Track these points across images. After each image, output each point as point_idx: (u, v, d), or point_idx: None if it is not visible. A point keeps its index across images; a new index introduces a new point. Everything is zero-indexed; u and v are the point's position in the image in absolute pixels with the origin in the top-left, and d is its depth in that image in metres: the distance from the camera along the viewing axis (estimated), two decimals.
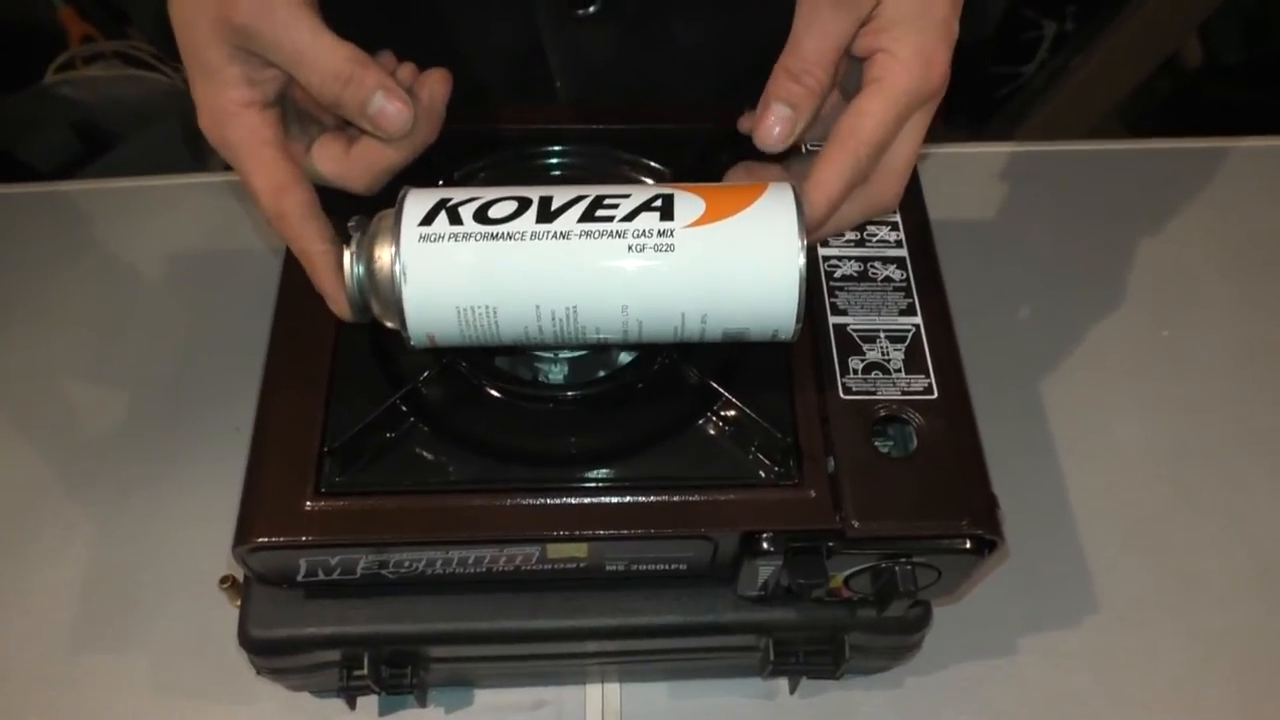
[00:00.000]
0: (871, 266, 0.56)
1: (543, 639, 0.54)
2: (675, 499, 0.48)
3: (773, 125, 0.47)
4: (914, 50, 0.46)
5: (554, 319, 0.45)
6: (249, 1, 0.43)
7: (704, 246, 0.44)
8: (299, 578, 0.50)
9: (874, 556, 0.49)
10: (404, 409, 0.50)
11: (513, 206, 0.45)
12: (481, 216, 0.45)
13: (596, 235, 0.44)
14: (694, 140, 0.59)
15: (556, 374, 0.53)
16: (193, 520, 0.67)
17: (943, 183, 0.83)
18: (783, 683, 0.61)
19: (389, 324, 0.47)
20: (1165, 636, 0.64)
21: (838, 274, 0.55)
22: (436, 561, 0.49)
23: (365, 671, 0.53)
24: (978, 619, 0.64)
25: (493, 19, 0.66)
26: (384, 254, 0.45)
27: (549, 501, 0.48)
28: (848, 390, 0.51)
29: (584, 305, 0.45)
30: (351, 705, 0.59)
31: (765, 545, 0.48)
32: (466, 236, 0.44)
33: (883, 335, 0.53)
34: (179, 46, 0.45)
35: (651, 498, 0.48)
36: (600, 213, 0.45)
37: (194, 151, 1.26)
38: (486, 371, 0.52)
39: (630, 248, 0.44)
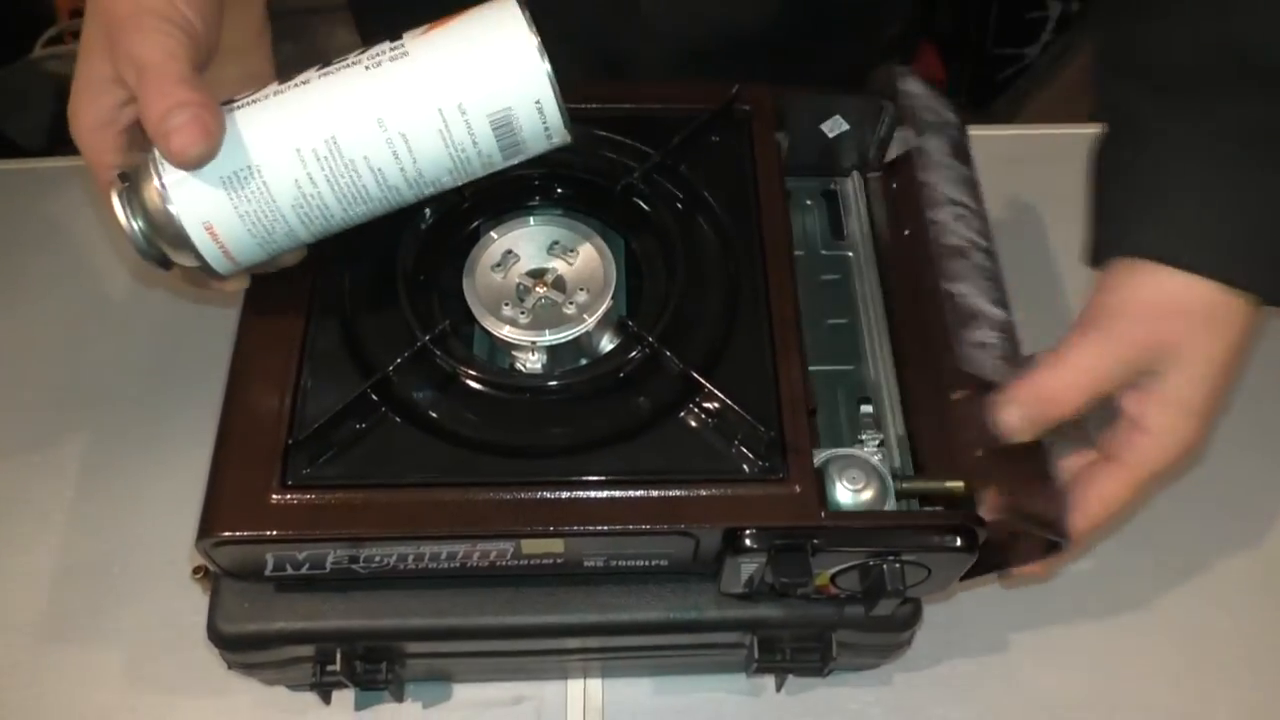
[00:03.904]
0: None
1: (520, 635, 0.52)
2: (654, 494, 0.47)
3: (1008, 423, 0.48)
4: (1179, 442, 0.48)
5: (319, 160, 0.45)
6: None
7: (436, 42, 0.45)
8: (266, 572, 0.48)
9: (861, 554, 0.47)
10: (374, 398, 0.48)
11: (254, 91, 0.46)
12: (225, 103, 0.45)
13: (335, 71, 0.45)
14: (680, 122, 0.57)
15: (534, 363, 0.52)
16: (167, 508, 0.65)
17: None
18: (769, 678, 0.60)
19: (181, 259, 0.47)
20: (1161, 634, 0.62)
21: None
22: (408, 557, 0.48)
23: (338, 667, 0.52)
24: (970, 615, 0.62)
25: None
26: (145, 166, 0.45)
27: (522, 496, 0.46)
28: None
29: (340, 132, 0.44)
30: (326, 700, 0.58)
31: (748, 542, 0.46)
32: None
33: None
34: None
35: (629, 492, 0.46)
36: (336, 61, 0.46)
37: None
38: (461, 360, 0.50)
39: (367, 67, 0.45)
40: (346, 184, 0.45)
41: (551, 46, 0.65)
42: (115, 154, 0.47)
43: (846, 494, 0.49)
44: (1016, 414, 0.48)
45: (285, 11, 1.03)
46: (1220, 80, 0.48)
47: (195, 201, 0.45)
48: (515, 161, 0.48)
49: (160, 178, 0.44)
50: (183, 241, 0.45)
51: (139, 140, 0.47)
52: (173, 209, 0.45)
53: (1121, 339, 0.47)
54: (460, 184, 0.48)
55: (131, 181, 0.46)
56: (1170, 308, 0.47)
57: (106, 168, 0.47)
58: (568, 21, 0.70)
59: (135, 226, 0.46)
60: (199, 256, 0.46)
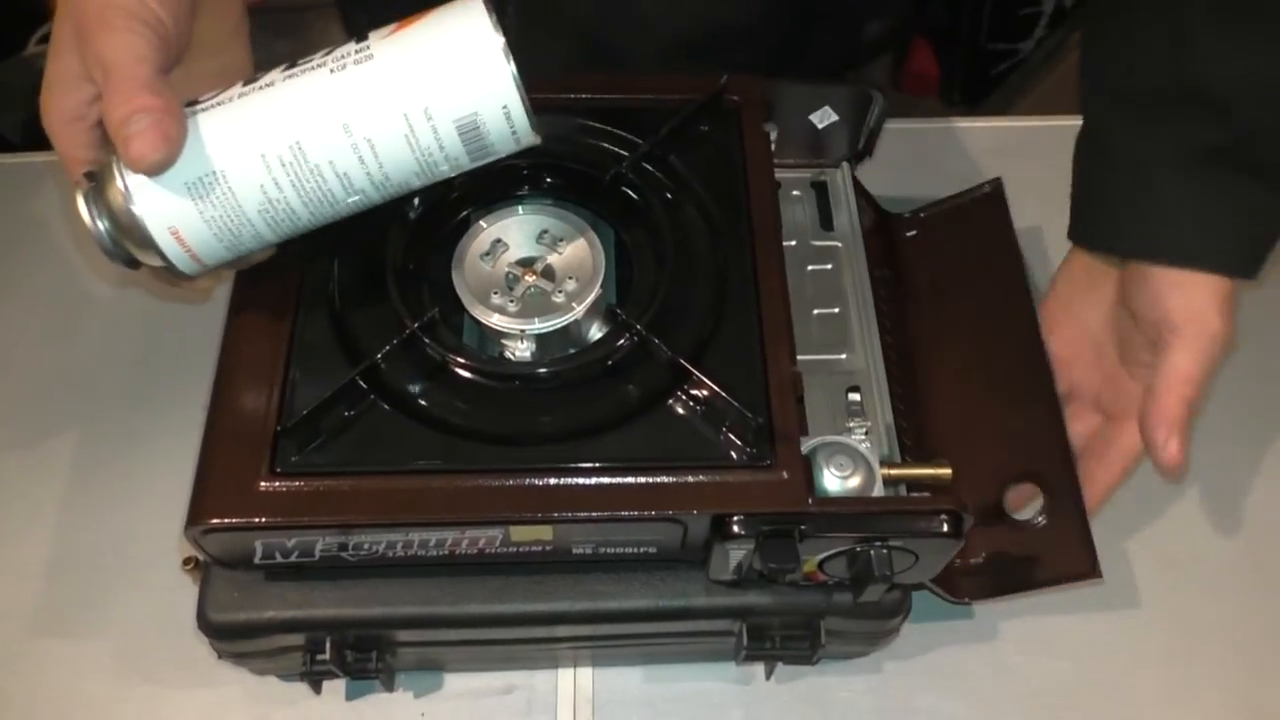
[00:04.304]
0: None
1: (509, 623, 0.52)
2: (642, 480, 0.47)
3: (1176, 453, 0.56)
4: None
5: (284, 165, 0.44)
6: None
7: (400, 44, 0.44)
8: (256, 560, 0.49)
9: (848, 540, 0.47)
10: (363, 386, 0.48)
11: (221, 90, 0.46)
12: (190, 104, 0.45)
13: (300, 74, 0.45)
14: (669, 112, 0.57)
15: (523, 351, 0.52)
16: (158, 500, 0.65)
17: (937, 156, 0.81)
18: (759, 667, 0.60)
19: (148, 260, 0.46)
20: (1150, 622, 0.62)
21: None
22: (397, 544, 0.48)
23: (328, 656, 0.52)
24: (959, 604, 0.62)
25: None
26: (109, 167, 0.45)
27: (511, 483, 0.46)
28: None
29: (305, 137, 0.44)
30: (317, 690, 0.58)
31: (736, 528, 0.47)
32: None
33: None
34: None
35: (618, 479, 0.47)
36: (302, 62, 0.45)
37: None
38: (450, 348, 0.50)
39: (331, 70, 0.44)
40: (312, 189, 0.45)
41: (547, 40, 0.66)
42: (87, 149, 0.47)
43: (834, 481, 0.49)
44: (1179, 440, 0.56)
45: (278, 8, 1.03)
46: (1176, 104, 0.56)
47: (159, 205, 0.44)
48: (482, 164, 0.47)
49: (124, 180, 0.44)
50: (148, 244, 0.45)
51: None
52: (136, 211, 0.44)
53: (1207, 340, 0.56)
54: (427, 185, 0.48)
55: (97, 181, 0.45)
56: (1217, 299, 0.56)
57: (78, 163, 0.47)
58: (564, 15, 0.71)
59: (100, 227, 0.45)
60: (165, 259, 0.46)
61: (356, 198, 0.46)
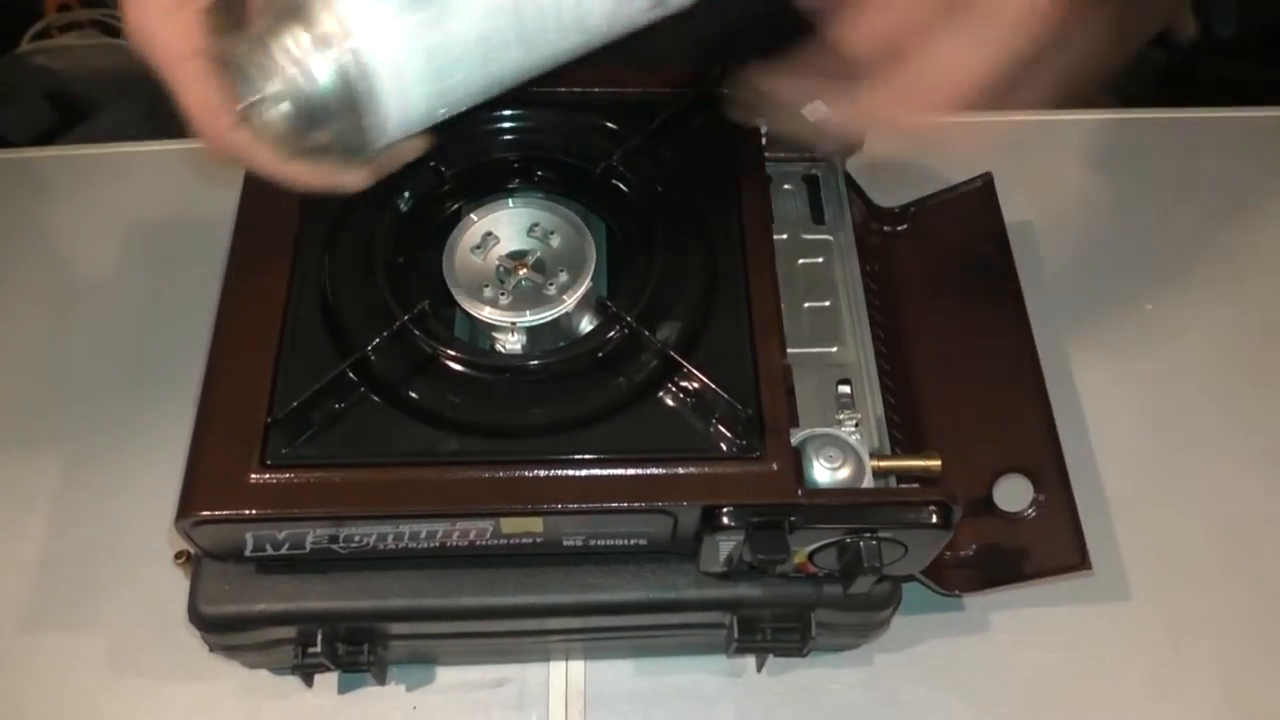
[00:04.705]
0: None
1: (500, 616, 0.52)
2: (632, 472, 0.47)
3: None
4: None
5: None
6: None
7: None
8: (247, 552, 0.49)
9: (838, 531, 0.48)
10: (353, 377, 0.48)
11: None
12: None
13: None
14: (662, 105, 0.57)
15: (514, 344, 0.52)
16: (151, 495, 0.65)
17: (928, 151, 0.81)
18: (750, 660, 0.60)
19: (328, 127, 0.41)
20: (1141, 614, 0.63)
21: None
22: (388, 536, 0.48)
23: (319, 649, 0.52)
24: (949, 596, 0.62)
25: None
26: (285, 15, 0.39)
27: (501, 474, 0.46)
28: None
29: None
30: (308, 683, 0.58)
31: (726, 520, 0.47)
32: None
33: None
34: None
35: (607, 471, 0.47)
36: None
37: (163, 122, 1.24)
38: (441, 340, 0.50)
39: None
40: (531, 13, 0.41)
41: None
42: (195, 38, 0.42)
43: (824, 472, 0.49)
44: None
45: None
46: None
47: (369, 33, 0.38)
48: (648, 19, 0.45)
49: (323, 16, 0.38)
50: (343, 94, 0.39)
51: (220, 19, 0.42)
52: (346, 50, 0.38)
53: None
54: (596, 44, 0.45)
55: (256, 45, 0.39)
56: None
57: (187, 58, 0.42)
58: None
59: (275, 90, 0.39)
60: (356, 113, 0.40)
61: (564, 34, 0.43)
